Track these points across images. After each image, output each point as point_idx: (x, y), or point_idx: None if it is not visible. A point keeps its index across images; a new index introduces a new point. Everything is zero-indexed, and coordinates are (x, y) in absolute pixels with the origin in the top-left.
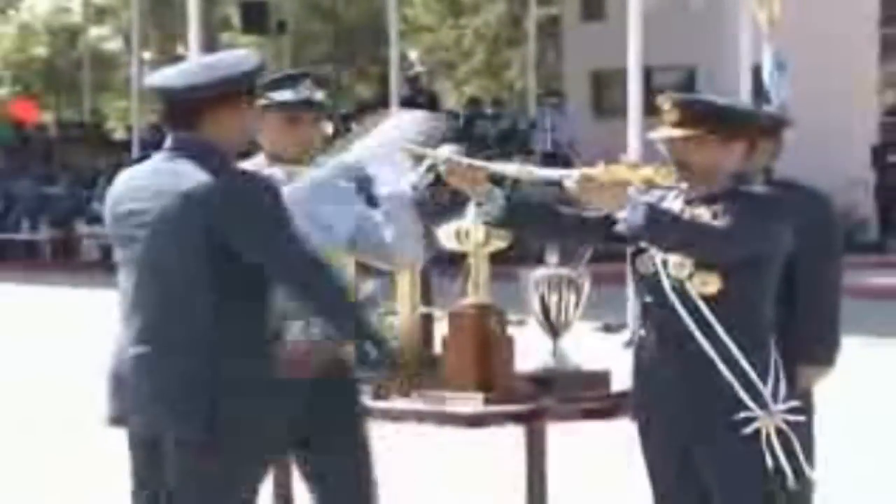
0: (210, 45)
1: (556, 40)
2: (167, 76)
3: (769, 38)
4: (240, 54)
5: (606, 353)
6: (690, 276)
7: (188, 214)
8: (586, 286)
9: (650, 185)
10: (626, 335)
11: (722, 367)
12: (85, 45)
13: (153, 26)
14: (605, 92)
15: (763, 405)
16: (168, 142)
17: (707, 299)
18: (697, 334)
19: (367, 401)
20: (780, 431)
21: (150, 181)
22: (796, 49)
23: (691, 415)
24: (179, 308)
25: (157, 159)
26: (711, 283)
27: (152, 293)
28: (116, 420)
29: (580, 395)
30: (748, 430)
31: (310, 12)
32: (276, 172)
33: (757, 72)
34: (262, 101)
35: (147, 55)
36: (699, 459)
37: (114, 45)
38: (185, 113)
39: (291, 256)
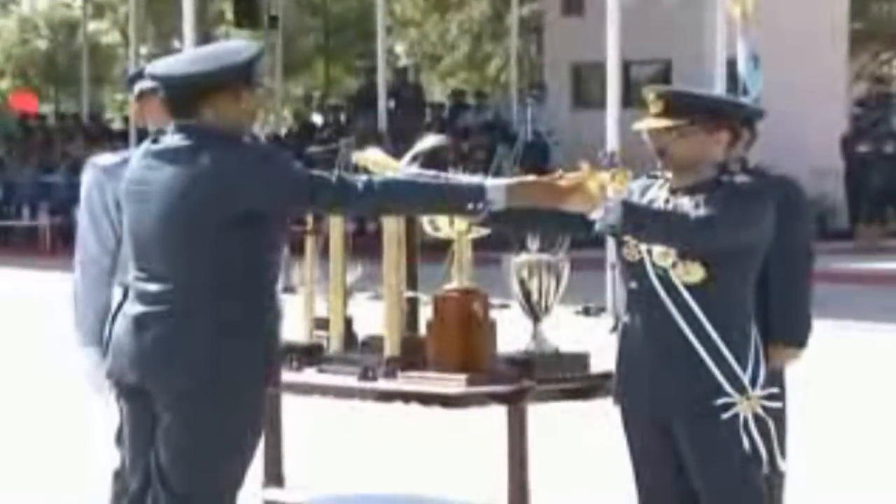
0: (205, 39)
1: (538, 35)
2: (169, 65)
3: (743, 32)
4: (239, 44)
5: (585, 335)
6: (674, 265)
7: (202, 189)
8: (566, 271)
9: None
10: (604, 318)
11: (703, 353)
12: (84, 39)
13: (150, 21)
14: (584, 84)
15: (741, 391)
16: (171, 128)
17: (690, 287)
18: (680, 321)
19: (355, 382)
20: (757, 417)
21: (161, 163)
22: (769, 43)
23: (672, 399)
24: (186, 271)
25: (165, 143)
26: (695, 273)
27: (160, 259)
28: (113, 375)
29: (560, 376)
30: (726, 415)
31: (300, 7)
32: None
33: (731, 65)
34: (141, 88)
35: (144, 49)
36: (679, 443)
37: (112, 38)
38: (186, 101)
39: (335, 194)
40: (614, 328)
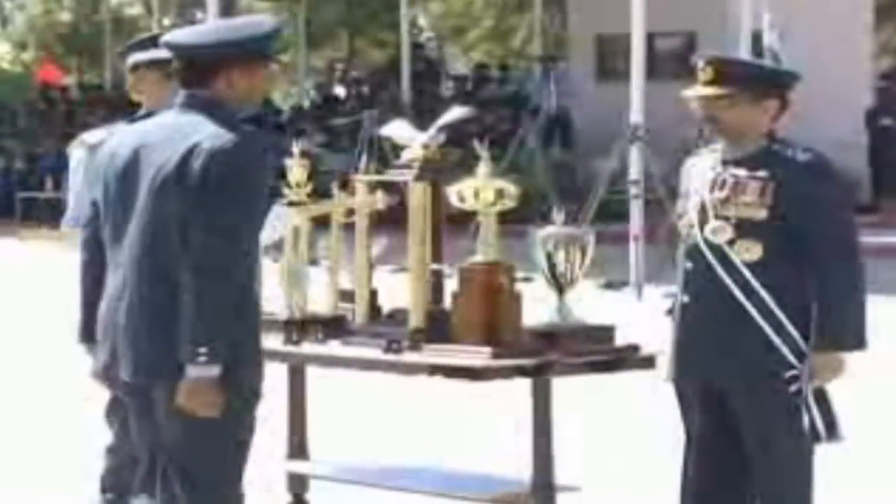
0: (227, 10)
1: (561, 6)
2: (185, 34)
3: (768, 4)
4: (256, 19)
5: (609, 308)
6: (732, 243)
7: (190, 165)
8: (591, 244)
9: None
10: (627, 292)
11: (768, 329)
12: (107, 11)
13: None
14: (608, 56)
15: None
16: (179, 98)
17: (750, 265)
18: (742, 299)
19: (379, 354)
20: (819, 390)
21: (160, 134)
22: (794, 15)
23: (739, 374)
24: (173, 257)
25: (168, 115)
26: (754, 250)
27: (144, 241)
28: (105, 370)
29: (585, 349)
30: (793, 388)
31: None
32: None
33: (756, 37)
34: (136, 61)
35: (167, 20)
36: (740, 416)
37: (135, 10)
38: (200, 71)
39: (214, 249)
40: (670, 311)
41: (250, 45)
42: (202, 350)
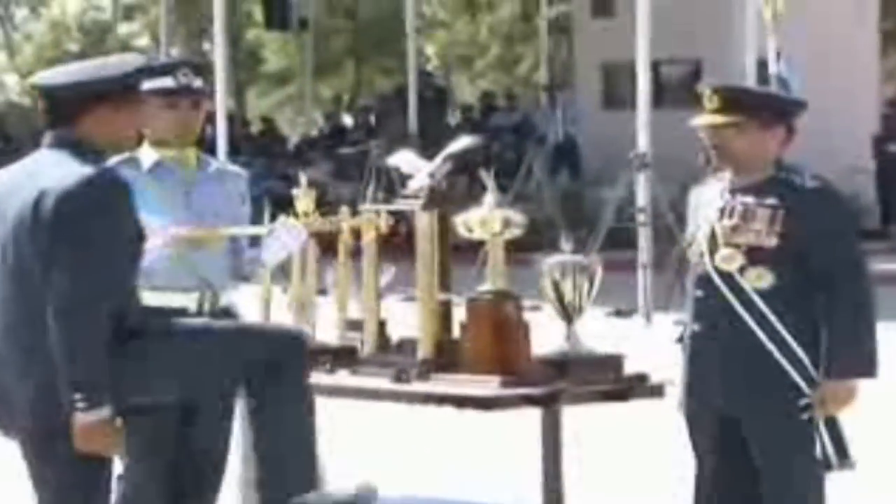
0: (235, 41)
1: (567, 35)
2: (50, 75)
3: (774, 32)
4: (124, 58)
5: (618, 337)
6: (742, 270)
7: (42, 208)
8: (599, 272)
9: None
10: (636, 320)
11: (779, 356)
12: (115, 42)
13: (180, 23)
14: (614, 84)
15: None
16: (46, 138)
17: (761, 292)
18: (754, 326)
19: (388, 384)
20: (831, 418)
21: (22, 176)
22: (800, 42)
23: (750, 402)
24: (39, 308)
25: (33, 157)
26: (765, 277)
27: (11, 286)
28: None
29: (594, 377)
30: (805, 416)
31: (330, 9)
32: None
33: (762, 66)
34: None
35: (174, 51)
36: (752, 444)
37: (142, 41)
38: (64, 111)
39: (73, 291)
40: (679, 339)
41: (114, 84)
42: (79, 396)
